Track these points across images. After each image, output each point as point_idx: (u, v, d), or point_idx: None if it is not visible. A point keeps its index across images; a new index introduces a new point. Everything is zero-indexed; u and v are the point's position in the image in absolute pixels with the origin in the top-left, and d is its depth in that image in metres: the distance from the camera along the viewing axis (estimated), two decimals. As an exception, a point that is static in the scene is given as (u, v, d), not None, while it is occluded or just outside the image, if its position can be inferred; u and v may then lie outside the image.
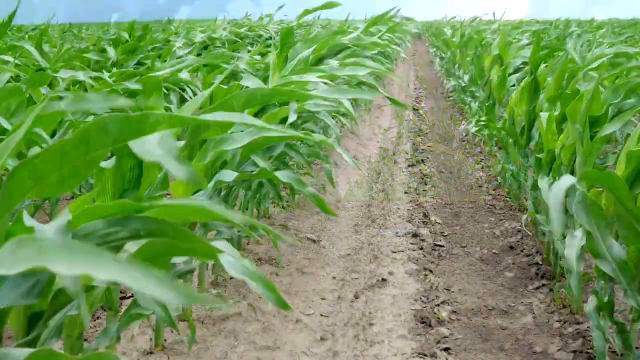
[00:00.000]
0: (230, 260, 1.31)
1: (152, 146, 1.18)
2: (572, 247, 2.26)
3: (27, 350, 0.72)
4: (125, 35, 7.32)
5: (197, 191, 2.32)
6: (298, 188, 2.12)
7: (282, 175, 2.18)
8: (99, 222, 1.11)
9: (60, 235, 1.03)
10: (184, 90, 4.79)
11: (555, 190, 1.92)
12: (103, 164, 1.66)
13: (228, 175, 2.20)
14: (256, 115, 2.69)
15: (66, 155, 0.92)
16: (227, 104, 1.96)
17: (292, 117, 2.53)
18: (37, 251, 0.65)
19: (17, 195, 0.94)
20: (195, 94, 4.54)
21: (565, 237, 2.42)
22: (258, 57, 5.34)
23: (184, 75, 4.68)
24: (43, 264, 0.64)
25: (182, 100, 4.65)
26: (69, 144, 0.91)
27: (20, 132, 0.99)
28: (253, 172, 2.51)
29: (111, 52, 6.13)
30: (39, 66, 4.56)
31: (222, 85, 3.07)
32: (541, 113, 3.31)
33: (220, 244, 1.41)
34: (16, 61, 4.59)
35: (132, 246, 1.25)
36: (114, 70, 4.90)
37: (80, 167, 0.95)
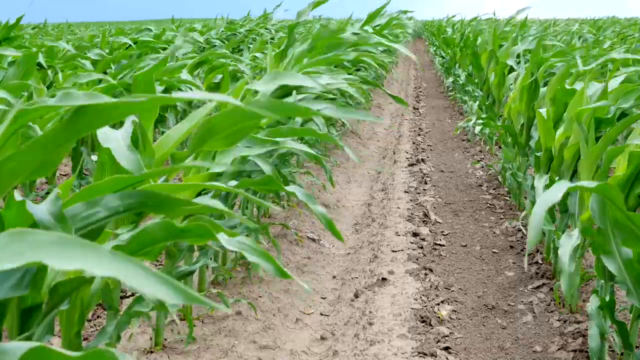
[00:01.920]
0: (226, 237, 1.34)
1: (112, 135, 1.55)
2: (565, 247, 2.24)
3: (24, 346, 0.70)
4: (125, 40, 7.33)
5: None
6: (309, 205, 2.03)
7: (293, 190, 2.06)
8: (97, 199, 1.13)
9: (55, 217, 1.07)
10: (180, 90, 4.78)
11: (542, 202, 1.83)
12: (93, 157, 1.78)
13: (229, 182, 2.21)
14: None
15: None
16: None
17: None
18: (31, 245, 0.63)
19: (8, 182, 0.96)
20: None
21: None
22: (259, 55, 5.33)
23: (184, 75, 4.66)
24: (38, 258, 0.62)
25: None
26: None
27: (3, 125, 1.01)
28: (256, 179, 2.49)
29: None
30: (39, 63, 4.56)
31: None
32: (538, 110, 3.30)
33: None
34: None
35: (125, 235, 1.27)
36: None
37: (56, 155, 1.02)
